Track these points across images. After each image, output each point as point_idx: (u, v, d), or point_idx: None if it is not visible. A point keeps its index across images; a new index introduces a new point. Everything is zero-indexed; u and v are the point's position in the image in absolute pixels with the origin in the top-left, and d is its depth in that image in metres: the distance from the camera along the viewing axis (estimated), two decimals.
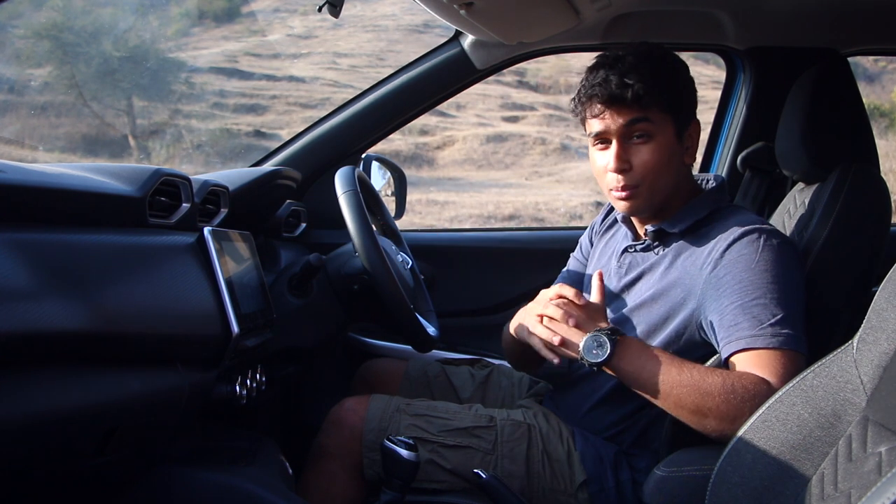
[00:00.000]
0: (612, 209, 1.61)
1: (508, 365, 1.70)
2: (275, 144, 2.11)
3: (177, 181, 1.22)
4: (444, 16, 1.59)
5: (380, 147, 2.16)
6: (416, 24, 15.14)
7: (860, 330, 1.00)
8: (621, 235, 1.51)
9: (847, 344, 1.02)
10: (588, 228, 1.67)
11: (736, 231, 1.28)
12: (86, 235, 0.98)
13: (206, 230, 1.19)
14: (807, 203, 1.48)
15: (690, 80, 1.37)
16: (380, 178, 2.02)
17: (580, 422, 1.46)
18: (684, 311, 1.32)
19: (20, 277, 0.83)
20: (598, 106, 1.30)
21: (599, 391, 1.44)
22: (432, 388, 1.70)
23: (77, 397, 0.90)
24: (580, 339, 1.20)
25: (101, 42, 11.74)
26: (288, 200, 1.88)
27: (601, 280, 1.28)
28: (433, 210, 9.37)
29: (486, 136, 12.76)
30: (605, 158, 1.33)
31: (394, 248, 1.69)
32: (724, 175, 2.05)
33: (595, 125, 1.32)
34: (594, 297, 1.27)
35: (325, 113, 2.08)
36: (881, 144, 3.59)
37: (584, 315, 1.22)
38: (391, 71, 2.07)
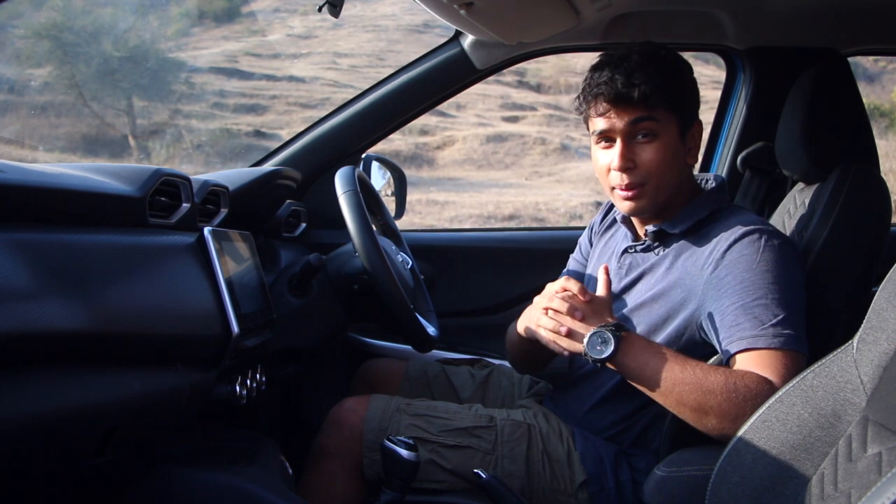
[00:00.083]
0: (610, 209, 1.61)
1: (508, 365, 1.70)
2: (275, 144, 2.11)
3: (177, 181, 1.22)
4: (444, 16, 1.59)
5: (380, 147, 2.16)
6: (416, 24, 15.14)
7: (860, 330, 1.00)
8: (621, 236, 1.51)
9: (847, 344, 1.02)
10: (587, 229, 1.67)
11: (737, 231, 1.28)
12: (86, 235, 0.98)
13: (206, 230, 1.19)
14: (807, 203, 1.48)
15: (694, 81, 1.37)
16: (380, 178, 2.02)
17: (580, 422, 1.46)
18: (685, 312, 1.32)
19: (20, 277, 0.83)
20: (604, 104, 1.30)
21: (599, 391, 1.44)
22: (432, 388, 1.70)
23: (77, 397, 0.90)
24: (586, 332, 1.20)
25: (101, 42, 11.74)
26: (288, 200, 1.88)
27: (607, 274, 1.27)
28: (433, 210, 9.37)
29: (486, 136, 12.76)
30: (609, 157, 1.33)
31: (394, 248, 1.69)
32: (724, 175, 2.05)
33: (599, 123, 1.32)
34: (600, 291, 1.26)
35: (325, 113, 2.08)
36: (881, 144, 3.59)
37: (589, 309, 1.22)
38: (391, 71, 2.07)
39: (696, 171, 1.48)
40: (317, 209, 2.05)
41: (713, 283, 1.27)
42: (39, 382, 0.85)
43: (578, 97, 1.36)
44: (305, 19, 15.14)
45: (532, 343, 1.33)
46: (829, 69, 1.51)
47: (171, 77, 12.56)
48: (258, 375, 1.36)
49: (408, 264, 1.73)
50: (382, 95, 2.03)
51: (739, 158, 1.93)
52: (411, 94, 2.03)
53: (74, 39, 11.45)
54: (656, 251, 1.40)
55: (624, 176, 1.32)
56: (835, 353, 1.02)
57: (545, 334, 1.23)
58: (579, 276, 1.62)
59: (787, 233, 1.50)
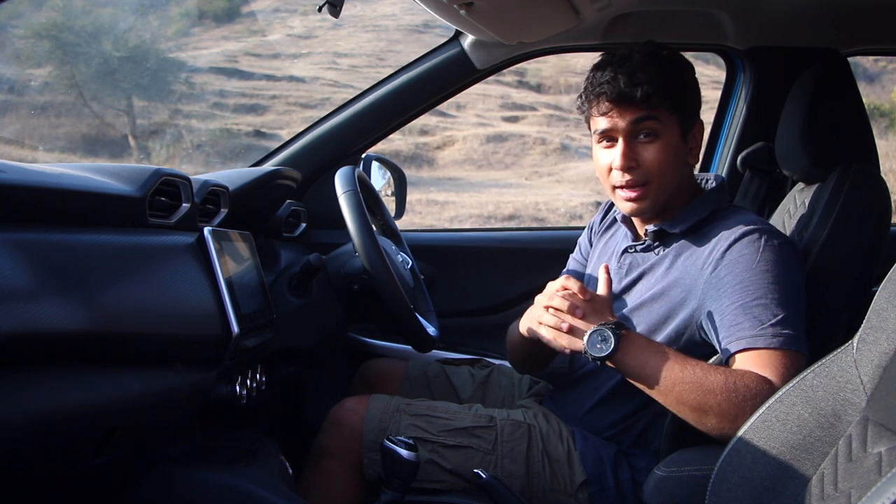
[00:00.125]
0: (610, 208, 1.61)
1: (508, 365, 1.70)
2: (275, 144, 2.11)
3: (177, 181, 1.22)
4: (444, 16, 1.59)
5: (380, 147, 2.16)
6: (416, 24, 15.13)
7: (860, 330, 1.00)
8: (621, 235, 1.51)
9: (847, 344, 1.02)
10: (586, 229, 1.67)
11: (736, 231, 1.28)
12: (86, 235, 0.98)
13: (206, 230, 1.19)
14: (807, 203, 1.48)
15: (696, 81, 1.37)
16: (380, 178, 2.02)
17: (580, 422, 1.46)
18: (685, 312, 1.32)
19: (20, 277, 0.83)
20: (606, 104, 1.30)
21: (599, 391, 1.44)
22: (432, 388, 1.70)
23: (77, 397, 0.90)
24: (586, 330, 1.20)
25: (101, 42, 11.74)
26: (288, 200, 1.88)
27: (608, 273, 1.27)
28: (433, 210, 9.37)
29: (486, 136, 12.75)
30: (611, 156, 1.33)
31: (394, 248, 1.69)
32: (724, 175, 2.05)
33: (601, 123, 1.32)
34: (601, 290, 1.26)
35: (325, 113, 2.08)
36: (881, 144, 3.59)
37: (589, 308, 1.21)
38: (391, 71, 2.07)
39: (696, 171, 1.48)
40: (317, 209, 2.05)
41: (713, 282, 1.27)
42: (39, 382, 0.85)
43: (580, 96, 1.36)
44: (305, 19, 15.14)
45: (533, 343, 1.33)
46: (829, 69, 1.51)
47: (171, 77, 12.56)
48: (258, 375, 1.36)
49: (408, 264, 1.73)
50: (382, 95, 2.03)
51: (739, 158, 1.93)
52: (411, 94, 2.03)
53: (74, 39, 11.45)
54: (656, 251, 1.40)
55: (626, 175, 1.32)
56: (835, 353, 1.02)
57: (546, 332, 1.23)
58: (579, 276, 1.61)
59: (787, 233, 1.50)
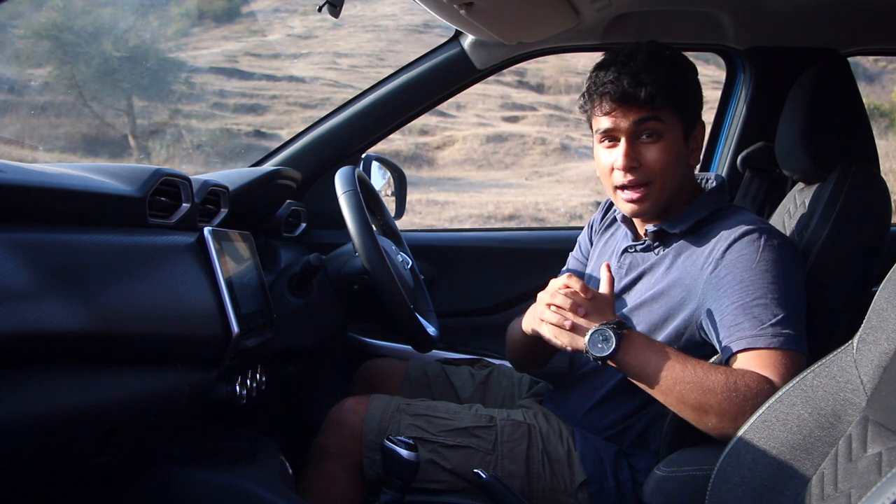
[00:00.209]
0: (610, 207, 1.61)
1: (508, 365, 1.70)
2: (275, 144, 2.11)
3: (177, 181, 1.22)
4: (444, 16, 1.59)
5: (380, 147, 2.16)
6: (416, 24, 15.13)
7: (860, 330, 1.00)
8: (621, 235, 1.51)
9: (847, 344, 1.02)
10: (586, 227, 1.67)
11: (736, 231, 1.28)
12: (86, 235, 0.98)
13: (206, 230, 1.19)
14: (807, 203, 1.48)
15: (699, 82, 1.37)
16: (380, 178, 2.02)
17: (580, 422, 1.46)
18: (685, 311, 1.32)
19: (20, 277, 0.83)
20: (609, 104, 1.30)
21: (599, 391, 1.44)
22: (432, 388, 1.70)
23: (77, 397, 0.90)
24: (587, 329, 1.19)
25: (101, 42, 11.74)
26: (288, 200, 1.88)
27: (610, 272, 1.27)
28: (433, 210, 9.37)
29: (486, 136, 12.75)
30: (613, 156, 1.33)
31: (394, 248, 1.69)
32: (724, 175, 2.05)
33: (604, 122, 1.32)
34: (603, 288, 1.25)
35: (325, 113, 2.08)
36: (881, 144, 3.59)
37: (591, 306, 1.21)
38: (391, 71, 2.07)
39: (696, 171, 1.48)
40: (317, 209, 2.05)
41: (713, 282, 1.27)
42: (39, 382, 0.85)
43: (583, 95, 1.36)
44: (305, 19, 15.14)
45: (534, 340, 1.33)
46: (829, 69, 1.51)
47: (171, 77, 12.56)
48: (258, 375, 1.36)
49: (408, 264, 1.73)
50: (382, 95, 2.03)
51: (739, 158, 1.93)
52: (411, 94, 2.03)
53: (74, 39, 11.44)
54: (656, 251, 1.40)
55: (628, 176, 1.32)
56: (835, 353, 1.02)
57: (548, 329, 1.23)
58: (579, 275, 1.61)
59: (787, 233, 1.50)
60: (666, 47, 1.34)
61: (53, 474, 0.98)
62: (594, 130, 1.35)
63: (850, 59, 1.81)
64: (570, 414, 1.48)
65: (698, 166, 1.46)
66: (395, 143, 11.36)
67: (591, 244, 1.63)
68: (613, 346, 1.17)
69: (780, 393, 1.06)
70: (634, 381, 1.22)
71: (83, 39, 11.56)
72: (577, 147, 12.27)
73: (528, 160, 12.35)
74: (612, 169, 1.33)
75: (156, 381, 1.04)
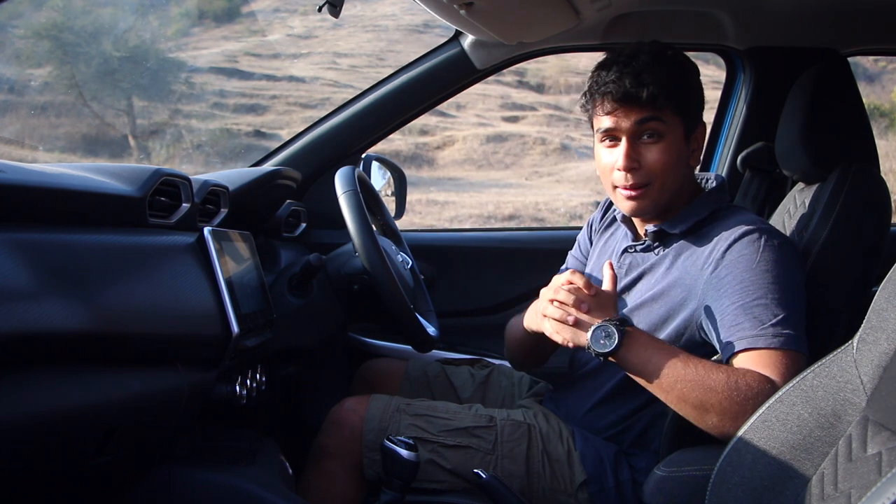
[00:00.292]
0: (609, 206, 1.61)
1: (508, 365, 1.70)
2: (275, 144, 2.11)
3: (177, 181, 1.21)
4: (444, 16, 1.59)
5: (380, 147, 2.16)
6: (416, 24, 15.13)
7: (860, 330, 1.00)
8: (621, 235, 1.51)
9: (847, 344, 1.02)
10: (586, 226, 1.67)
11: (736, 231, 1.28)
12: (86, 235, 0.98)
13: (206, 230, 1.19)
14: (807, 203, 1.48)
15: (700, 83, 1.36)
16: (380, 178, 2.02)
17: (580, 422, 1.46)
18: (685, 312, 1.32)
19: (20, 277, 0.83)
20: (611, 103, 1.30)
21: (599, 391, 1.44)
22: (432, 388, 1.70)
23: (77, 397, 0.90)
24: (590, 325, 1.19)
25: (101, 42, 11.74)
26: (288, 200, 1.88)
27: (612, 269, 1.26)
28: (433, 210, 9.37)
29: (486, 136, 12.75)
30: (614, 156, 1.33)
31: (394, 248, 1.69)
32: (724, 175, 2.05)
33: (605, 122, 1.32)
34: (605, 286, 1.25)
35: (325, 113, 2.08)
36: (881, 144, 3.59)
37: (594, 303, 1.21)
38: (391, 71, 2.07)
39: (696, 171, 1.48)
40: (317, 209, 2.05)
41: (713, 282, 1.27)
42: (39, 382, 0.85)
43: (585, 94, 1.36)
44: (305, 19, 15.14)
45: (534, 338, 1.32)
46: (829, 69, 1.51)
47: (171, 77, 12.56)
48: (258, 375, 1.36)
49: (408, 264, 1.73)
50: (382, 95, 2.03)
51: (739, 158, 1.93)
52: (411, 94, 2.03)
53: (74, 39, 11.44)
54: (656, 251, 1.40)
55: (628, 176, 1.32)
56: (835, 353, 1.02)
57: (550, 325, 1.22)
58: None
59: (787, 233, 1.50)
60: (668, 47, 1.34)
61: (53, 474, 0.98)
62: (595, 130, 1.35)
63: (850, 59, 1.81)
64: (570, 414, 1.48)
65: (698, 166, 1.46)
66: (395, 143, 11.36)
67: (591, 243, 1.63)
68: (616, 342, 1.17)
69: (780, 393, 1.06)
70: (635, 379, 1.22)
71: (83, 39, 11.56)
72: (577, 147, 12.27)
73: (528, 160, 12.35)
74: (613, 169, 1.33)
75: (156, 381, 1.04)
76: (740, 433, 1.07)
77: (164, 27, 13.85)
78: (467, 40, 1.97)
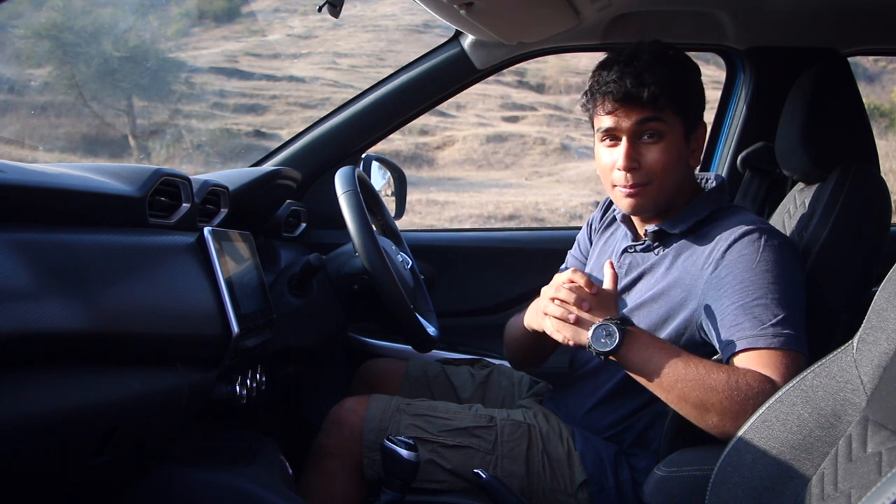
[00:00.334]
0: (609, 206, 1.61)
1: (508, 365, 1.70)
2: (275, 144, 2.11)
3: (177, 181, 1.21)
4: (444, 16, 1.59)
5: (380, 147, 2.16)
6: (416, 24, 15.13)
7: (860, 330, 1.00)
8: (620, 235, 1.51)
9: (847, 344, 1.02)
10: (585, 226, 1.67)
11: (736, 231, 1.28)
12: (86, 235, 0.98)
13: (206, 230, 1.19)
14: (807, 203, 1.48)
15: (702, 83, 1.36)
16: (380, 178, 2.02)
17: (580, 422, 1.46)
18: (685, 312, 1.32)
19: (20, 277, 0.83)
20: (612, 103, 1.30)
21: (599, 391, 1.44)
22: (432, 388, 1.70)
23: (77, 397, 0.90)
24: (591, 324, 1.19)
25: (101, 42, 11.74)
26: (288, 200, 1.88)
27: (613, 268, 1.26)
28: (433, 210, 9.37)
29: (486, 136, 12.76)
30: (614, 156, 1.33)
31: (394, 248, 1.69)
32: (724, 175, 2.05)
33: (606, 121, 1.32)
34: (607, 284, 1.25)
35: (325, 113, 2.08)
36: (881, 144, 3.59)
37: (595, 301, 1.21)
38: (391, 71, 2.07)
39: (696, 171, 1.48)
40: (317, 209, 2.05)
41: (713, 282, 1.27)
42: (39, 382, 0.85)
43: (586, 93, 1.35)
44: (305, 19, 15.14)
45: (534, 336, 1.32)
46: (829, 69, 1.51)
47: (171, 77, 12.56)
48: (258, 375, 1.36)
49: (408, 264, 1.73)
50: (382, 95, 2.03)
51: (739, 158, 1.93)
52: (411, 94, 2.03)
53: (74, 39, 11.45)
54: (656, 251, 1.40)
55: (628, 176, 1.31)
56: (835, 353, 1.02)
57: (551, 323, 1.22)
58: None
59: (787, 233, 1.50)
60: (670, 47, 1.34)
61: (53, 474, 0.98)
62: (595, 129, 1.35)
63: (850, 59, 1.81)
64: (570, 414, 1.48)
65: (698, 166, 1.46)
66: (395, 143, 11.36)
67: (591, 243, 1.63)
68: (617, 341, 1.17)
69: (780, 393, 1.06)
70: (636, 378, 1.21)
71: (83, 39, 11.56)
72: (577, 147, 12.28)
73: (528, 160, 12.36)
74: (613, 168, 1.33)
75: (156, 381, 1.04)
76: (740, 433, 1.07)
77: (164, 27, 13.85)
78: (467, 40, 1.97)
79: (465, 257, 2.19)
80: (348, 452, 1.41)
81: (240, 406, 1.28)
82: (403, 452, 1.23)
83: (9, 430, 0.82)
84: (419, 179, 10.52)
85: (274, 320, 1.37)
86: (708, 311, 1.26)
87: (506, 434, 1.41)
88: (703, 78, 1.38)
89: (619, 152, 1.31)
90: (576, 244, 1.68)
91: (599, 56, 1.37)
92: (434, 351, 1.76)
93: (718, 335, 1.23)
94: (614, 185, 1.35)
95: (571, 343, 1.21)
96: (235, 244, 1.29)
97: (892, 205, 1.51)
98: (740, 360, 1.19)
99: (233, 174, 1.57)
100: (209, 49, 14.06)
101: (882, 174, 1.45)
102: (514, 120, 13.57)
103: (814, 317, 1.25)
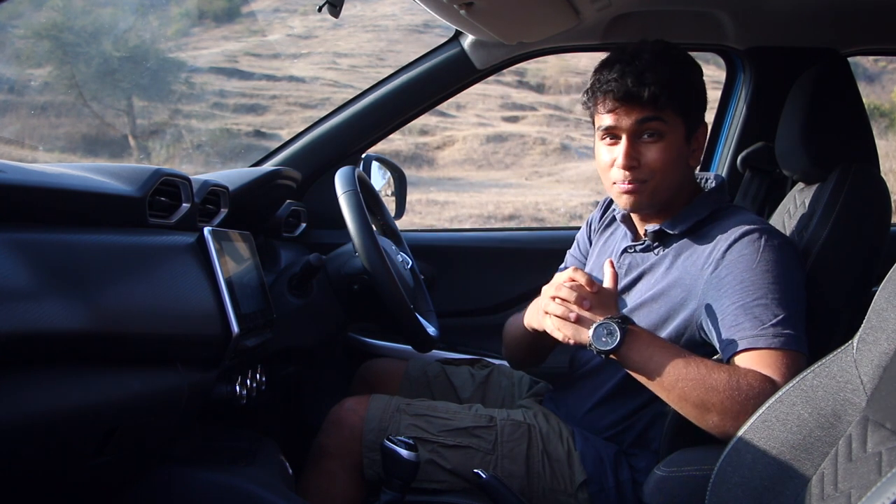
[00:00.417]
0: (609, 205, 1.61)
1: (508, 365, 1.70)
2: (275, 144, 2.11)
3: (177, 181, 1.22)
4: (444, 16, 1.59)
5: (380, 147, 2.16)
6: (416, 24, 15.14)
7: (860, 330, 1.00)
8: (620, 235, 1.51)
9: (847, 344, 1.02)
10: (584, 225, 1.67)
11: (737, 231, 1.28)
12: (86, 235, 0.98)
13: (206, 230, 1.19)
14: (807, 203, 1.48)
15: (703, 83, 1.36)
16: (380, 178, 2.02)
17: (580, 422, 1.46)
18: (685, 312, 1.32)
19: (20, 277, 0.83)
20: (612, 102, 1.29)
21: (599, 391, 1.44)
22: (432, 388, 1.70)
23: (77, 397, 0.90)
24: (592, 323, 1.19)
25: (101, 42, 11.74)
26: (288, 200, 1.88)
27: (613, 267, 1.26)
28: (433, 210, 9.37)
29: (486, 136, 12.76)
30: (614, 154, 1.33)
31: (394, 248, 1.69)
32: (724, 175, 2.05)
33: (606, 120, 1.32)
34: (607, 284, 1.25)
35: (325, 113, 2.08)
36: (881, 144, 3.59)
37: (596, 300, 1.20)
38: (391, 71, 2.07)
39: (696, 172, 1.48)
40: (317, 209, 2.05)
41: (713, 282, 1.27)
42: (39, 382, 0.85)
43: (586, 92, 1.35)
44: (305, 19, 15.15)
45: (534, 336, 1.32)
46: (829, 69, 1.51)
47: (171, 77, 12.56)
48: (258, 375, 1.36)
49: (408, 264, 1.73)
50: (382, 95, 2.03)
51: (739, 158, 1.93)
52: (411, 94, 2.03)
53: (74, 39, 11.45)
54: (656, 251, 1.40)
55: (627, 174, 1.31)
56: (835, 353, 1.02)
57: (551, 322, 1.22)
58: None
59: (787, 233, 1.50)
60: (672, 47, 1.34)
61: (53, 474, 0.98)
62: (596, 127, 1.35)
63: (850, 59, 1.81)
64: (570, 414, 1.48)
65: (698, 166, 1.46)
66: (395, 143, 11.37)
67: (590, 243, 1.63)
68: (618, 339, 1.17)
69: (780, 393, 1.06)
70: (637, 377, 1.21)
71: (83, 39, 11.57)
72: (577, 147, 12.28)
73: (528, 160, 12.36)
74: (613, 166, 1.33)
75: (156, 381, 1.04)
76: (740, 433, 1.07)
77: (164, 27, 13.86)
78: (467, 40, 1.97)
79: (465, 257, 2.19)
80: (348, 452, 1.41)
81: (240, 406, 1.28)
82: (403, 452, 1.23)
83: (9, 430, 0.82)
84: (419, 179, 10.52)
85: (274, 320, 1.37)
86: (708, 310, 1.26)
87: (506, 434, 1.41)
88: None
89: (619, 151, 1.31)
90: (575, 244, 1.68)
91: (599, 56, 1.37)
92: (434, 351, 1.76)
93: (719, 335, 1.23)
94: (613, 183, 1.35)
95: (572, 342, 1.21)
96: (235, 244, 1.29)
97: (892, 205, 1.51)
98: (741, 360, 1.19)
99: (233, 174, 1.57)
100: (209, 49, 14.06)
101: (882, 174, 1.45)
102: (514, 120, 13.57)
103: (814, 317, 1.25)
